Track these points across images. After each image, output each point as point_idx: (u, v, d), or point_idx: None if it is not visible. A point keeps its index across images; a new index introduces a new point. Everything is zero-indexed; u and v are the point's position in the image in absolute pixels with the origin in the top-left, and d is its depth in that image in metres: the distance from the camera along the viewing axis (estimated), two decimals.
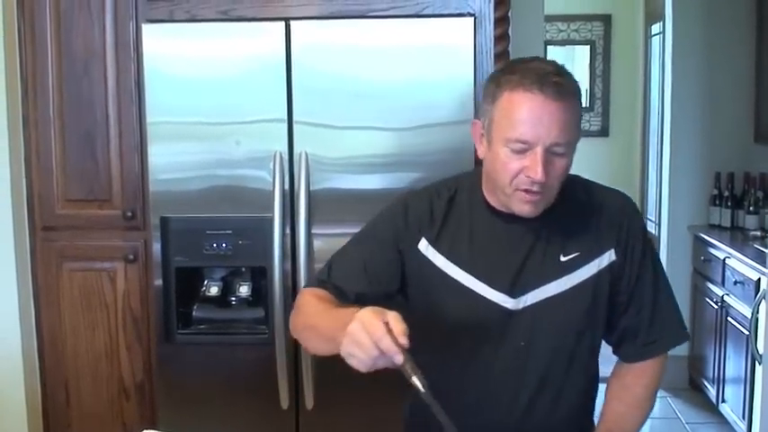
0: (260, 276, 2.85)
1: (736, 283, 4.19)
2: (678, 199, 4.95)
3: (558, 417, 1.62)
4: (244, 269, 2.88)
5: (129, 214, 2.93)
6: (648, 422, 4.68)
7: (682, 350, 4.36)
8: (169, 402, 2.85)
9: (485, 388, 1.55)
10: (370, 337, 1.26)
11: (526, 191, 1.47)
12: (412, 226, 1.57)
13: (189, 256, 2.78)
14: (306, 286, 1.64)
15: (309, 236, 2.74)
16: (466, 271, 1.56)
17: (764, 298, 3.58)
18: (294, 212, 2.74)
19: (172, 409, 2.83)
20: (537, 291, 1.55)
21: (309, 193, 2.73)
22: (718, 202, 4.85)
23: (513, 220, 1.56)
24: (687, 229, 4.86)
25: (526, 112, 1.46)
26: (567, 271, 1.55)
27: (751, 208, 4.66)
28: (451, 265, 1.55)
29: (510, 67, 1.56)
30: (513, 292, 1.54)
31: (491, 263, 1.54)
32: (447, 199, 1.61)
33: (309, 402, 2.82)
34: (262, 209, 2.73)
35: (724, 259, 4.38)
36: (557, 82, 1.47)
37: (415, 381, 1.28)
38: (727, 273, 4.33)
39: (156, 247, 2.78)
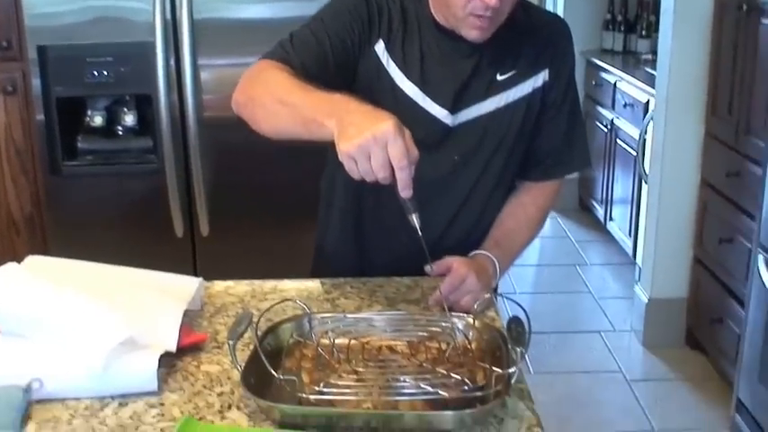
0: (146, 105, 2.82)
1: (625, 105, 4.31)
2: (572, 24, 4.98)
3: (473, 238, 1.67)
4: (128, 97, 2.83)
5: (5, 44, 2.84)
6: (539, 241, 4.96)
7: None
8: (60, 235, 2.85)
9: (416, 198, 1.54)
10: (391, 154, 1.17)
11: (479, 16, 1.45)
12: (373, 23, 1.52)
13: (70, 86, 2.71)
14: (262, 59, 1.47)
15: (195, 66, 2.69)
16: (415, 84, 1.55)
17: (652, 119, 3.71)
18: (177, 42, 2.69)
19: (63, 242, 2.83)
20: (474, 107, 1.56)
21: (193, 22, 2.66)
22: (611, 27, 4.92)
23: (459, 39, 1.54)
24: (580, 54, 4.92)
25: None
26: (504, 88, 1.56)
27: (643, 32, 4.74)
28: (403, 76, 1.53)
29: None
30: (453, 109, 1.55)
31: (438, 79, 1.53)
32: (399, 6, 1.57)
33: (204, 229, 2.86)
34: (143, 35, 2.68)
35: (615, 83, 4.48)
36: None
37: (414, 220, 1.27)
38: (618, 96, 4.43)
39: (35, 77, 2.71)
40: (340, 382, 1.14)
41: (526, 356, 1.14)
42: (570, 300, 4.17)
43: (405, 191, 1.21)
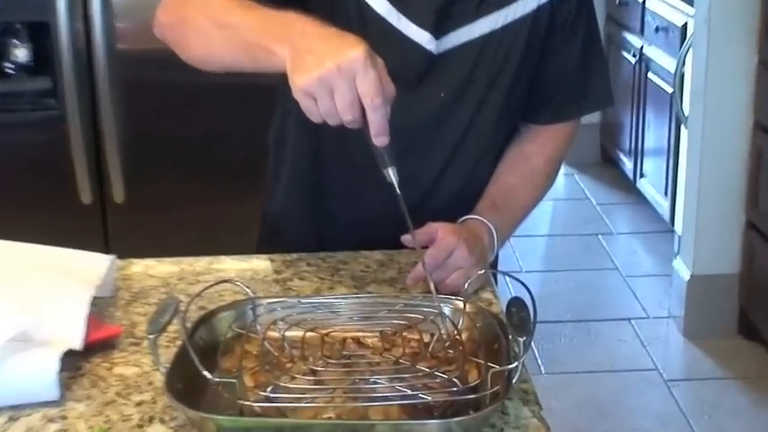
0: (42, 36, 2.80)
1: (658, 30, 4.31)
2: None
3: (464, 198, 1.67)
4: (19, 26, 2.81)
5: None
6: (551, 204, 4.99)
7: (593, 117, 4.55)
8: None
9: (393, 148, 1.51)
10: (361, 89, 1.17)
11: None
12: None
13: None
14: None
15: None
16: (388, 0, 1.55)
17: (691, 47, 3.71)
18: None
19: None
20: (463, 30, 1.56)
21: None
22: None
23: None
24: None
25: None
26: (500, 5, 1.55)
27: None
28: None
29: None
30: (437, 31, 1.54)
31: None
32: None
33: (119, 196, 2.85)
34: None
35: (644, 1, 4.48)
36: None
37: (391, 175, 1.26)
38: (648, 18, 4.44)
39: None
40: (293, 386, 1.14)
41: (534, 350, 1.14)
42: (591, 279, 4.21)
43: (378, 137, 1.22)
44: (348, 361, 1.22)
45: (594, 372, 3.43)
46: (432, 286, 1.34)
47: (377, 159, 1.26)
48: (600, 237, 4.51)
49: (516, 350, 1.15)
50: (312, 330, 1.28)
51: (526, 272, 4.12)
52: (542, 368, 3.36)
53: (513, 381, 1.14)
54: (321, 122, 1.21)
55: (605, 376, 3.41)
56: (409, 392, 1.12)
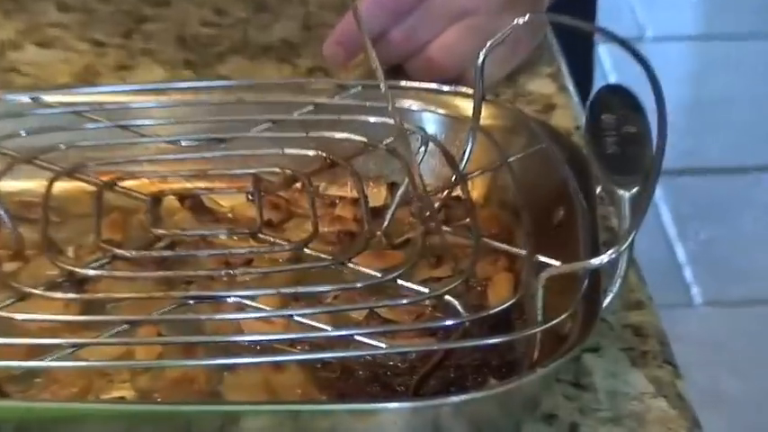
0: None
1: None
2: None
3: None
4: None
5: None
6: None
7: None
8: None
9: None
10: None
11: None
12: None
13: None
14: None
15: None
16: None
17: None
18: None
19: None
20: None
21: None
22: None
23: None
24: None
25: None
26: None
27: None
28: None
29: None
30: None
31: None
32: None
33: None
34: None
35: None
36: None
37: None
38: None
39: None
40: (28, 318, 0.60)
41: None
42: None
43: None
44: (170, 254, 0.66)
45: None
46: (372, 55, 0.72)
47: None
48: None
49: (619, 231, 0.60)
50: (75, 176, 0.70)
51: (653, 39, 2.57)
52: (697, 292, 2.06)
53: (605, 305, 0.58)
54: None
55: None
56: (331, 333, 0.59)
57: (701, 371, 1.62)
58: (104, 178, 0.69)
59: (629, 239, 0.56)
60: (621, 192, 0.59)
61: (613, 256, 0.56)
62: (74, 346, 0.54)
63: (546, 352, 0.56)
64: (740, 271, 2.04)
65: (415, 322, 0.62)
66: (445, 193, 0.69)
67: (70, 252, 0.67)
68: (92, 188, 0.68)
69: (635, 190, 0.59)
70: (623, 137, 0.63)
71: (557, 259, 0.60)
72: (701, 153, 2.32)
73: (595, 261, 0.57)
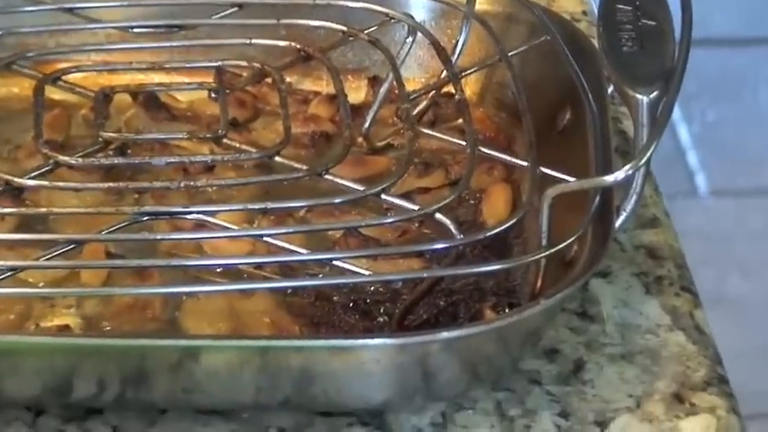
0: None
1: None
2: None
3: None
4: None
5: None
6: None
7: None
8: None
9: None
10: None
11: None
12: None
13: None
14: None
15: None
16: None
17: None
18: None
19: None
20: None
21: None
22: None
23: None
24: None
25: None
26: None
27: None
28: None
29: None
30: None
31: None
32: None
33: None
34: None
35: None
36: None
37: None
38: None
39: None
40: None
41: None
42: None
43: None
44: (121, 162, 0.62)
45: None
46: None
47: None
48: None
49: (635, 141, 0.57)
50: (12, 67, 0.68)
51: None
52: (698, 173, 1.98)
53: (618, 225, 0.54)
54: None
55: None
56: (306, 258, 0.57)
57: (704, 269, 1.59)
58: (46, 70, 0.67)
59: (649, 153, 0.52)
60: (639, 96, 0.55)
61: (630, 172, 0.52)
62: (12, 269, 0.50)
63: (550, 278, 0.53)
64: (751, 156, 1.91)
65: (401, 242, 0.58)
66: (434, 92, 0.65)
67: (5, 153, 0.64)
68: (31, 81, 0.65)
69: (654, 94, 0.55)
70: (641, 31, 0.60)
71: (562, 169, 0.57)
72: (708, 22, 2.26)
73: (609, 178, 0.54)
